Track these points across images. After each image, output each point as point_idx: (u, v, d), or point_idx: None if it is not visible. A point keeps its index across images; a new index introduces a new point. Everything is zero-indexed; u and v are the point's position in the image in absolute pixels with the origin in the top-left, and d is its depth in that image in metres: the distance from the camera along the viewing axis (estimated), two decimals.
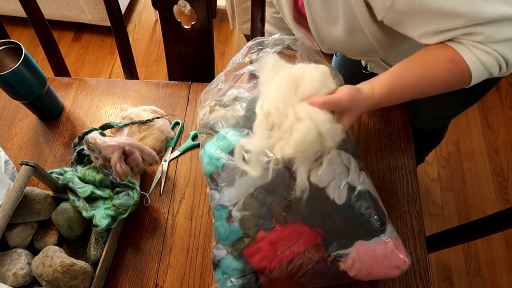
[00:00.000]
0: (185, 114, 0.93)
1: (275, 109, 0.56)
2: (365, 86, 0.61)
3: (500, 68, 0.57)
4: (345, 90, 0.58)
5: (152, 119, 0.86)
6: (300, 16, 0.76)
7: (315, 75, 0.58)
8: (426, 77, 0.60)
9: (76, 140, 0.82)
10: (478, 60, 0.56)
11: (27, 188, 0.72)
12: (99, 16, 2.04)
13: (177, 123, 0.92)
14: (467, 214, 1.61)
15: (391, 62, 0.83)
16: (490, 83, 0.79)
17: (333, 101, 0.56)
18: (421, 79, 0.60)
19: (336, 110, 0.58)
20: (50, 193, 0.76)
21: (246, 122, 0.73)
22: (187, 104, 0.94)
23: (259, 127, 0.58)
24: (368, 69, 0.89)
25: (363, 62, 0.88)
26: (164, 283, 0.74)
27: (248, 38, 1.89)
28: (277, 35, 0.74)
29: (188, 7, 2.26)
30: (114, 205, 0.72)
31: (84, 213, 0.71)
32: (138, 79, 1.21)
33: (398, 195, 0.79)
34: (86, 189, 0.73)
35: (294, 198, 0.65)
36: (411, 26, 0.59)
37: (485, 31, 0.53)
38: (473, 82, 0.59)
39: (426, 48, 0.61)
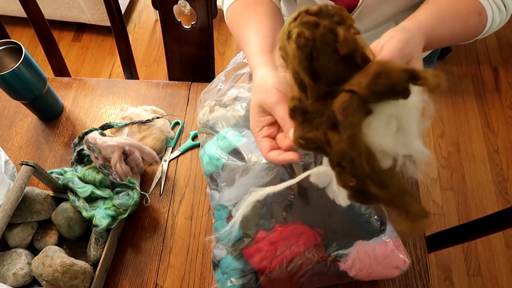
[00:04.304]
0: (185, 114, 0.93)
1: None
2: (412, 26, 0.48)
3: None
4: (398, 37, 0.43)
5: (152, 119, 0.86)
6: None
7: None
8: (459, 26, 0.53)
9: (76, 140, 0.82)
10: (492, 19, 0.53)
11: (27, 188, 0.72)
12: (99, 16, 2.04)
13: (177, 123, 0.92)
14: (467, 214, 1.61)
15: None
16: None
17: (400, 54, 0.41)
18: (454, 28, 0.53)
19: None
20: (50, 193, 0.76)
21: (246, 122, 0.73)
22: (187, 104, 0.94)
23: None
24: None
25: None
26: (164, 283, 0.74)
27: None
28: None
29: (188, 7, 2.26)
30: (114, 205, 0.72)
31: (84, 213, 0.71)
32: (138, 79, 1.21)
33: None
34: (86, 189, 0.73)
35: (294, 198, 0.65)
36: None
37: None
38: (473, 39, 0.56)
39: None
